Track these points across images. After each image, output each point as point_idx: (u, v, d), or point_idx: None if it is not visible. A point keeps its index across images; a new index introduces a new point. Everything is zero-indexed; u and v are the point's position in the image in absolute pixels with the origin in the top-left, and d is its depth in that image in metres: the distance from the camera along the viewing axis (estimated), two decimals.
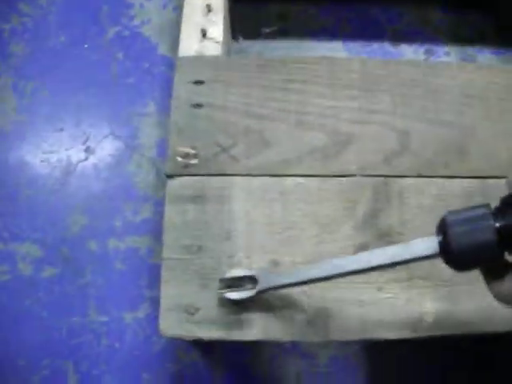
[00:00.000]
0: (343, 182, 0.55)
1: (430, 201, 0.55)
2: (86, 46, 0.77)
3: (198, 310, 0.51)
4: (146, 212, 0.68)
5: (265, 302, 0.50)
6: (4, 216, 0.68)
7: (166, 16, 0.77)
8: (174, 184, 0.56)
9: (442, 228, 0.37)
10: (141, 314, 0.65)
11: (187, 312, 0.51)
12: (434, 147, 0.57)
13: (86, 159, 0.71)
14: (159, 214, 0.65)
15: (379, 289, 0.51)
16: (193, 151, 0.57)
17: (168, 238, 0.54)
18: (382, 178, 0.55)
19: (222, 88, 0.60)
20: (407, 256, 0.39)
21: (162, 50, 0.76)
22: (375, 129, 0.58)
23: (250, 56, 0.64)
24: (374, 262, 0.41)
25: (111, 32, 0.78)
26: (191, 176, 0.56)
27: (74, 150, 0.72)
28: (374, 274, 0.51)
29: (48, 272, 0.66)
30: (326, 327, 0.50)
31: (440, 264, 0.38)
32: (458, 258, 0.36)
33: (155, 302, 0.63)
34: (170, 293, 0.52)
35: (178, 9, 0.63)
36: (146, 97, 0.73)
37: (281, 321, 0.50)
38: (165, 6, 0.78)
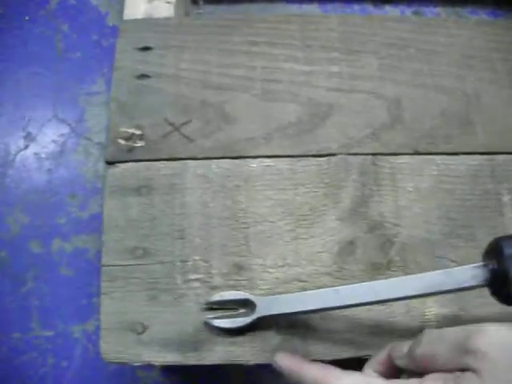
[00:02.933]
0: (322, 163, 0.42)
1: (429, 183, 0.42)
2: (26, 18, 0.63)
3: (146, 328, 0.38)
4: (96, 206, 0.55)
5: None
6: None
7: None
8: (115, 172, 0.42)
9: (495, 254, 0.30)
10: (91, 326, 0.52)
11: (133, 331, 0.38)
12: (432, 118, 0.44)
13: (26, 148, 0.57)
14: None
15: None
16: (138, 132, 0.44)
17: (107, 240, 0.40)
18: (370, 157, 0.42)
19: (174, 55, 0.46)
20: (449, 286, 0.32)
21: (113, 20, 0.62)
22: (360, 97, 0.44)
23: (207, 16, 0.50)
24: (408, 292, 0.32)
25: (54, 1, 0.63)
26: (136, 162, 0.42)
27: (11, 138, 0.58)
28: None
29: None
30: (304, 345, 0.37)
31: None
32: None
33: None
34: (111, 308, 0.39)
35: None
36: (94, 73, 0.59)
37: (249, 338, 0.37)
38: None
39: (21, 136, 0.58)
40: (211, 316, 0.36)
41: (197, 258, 0.39)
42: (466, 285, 0.31)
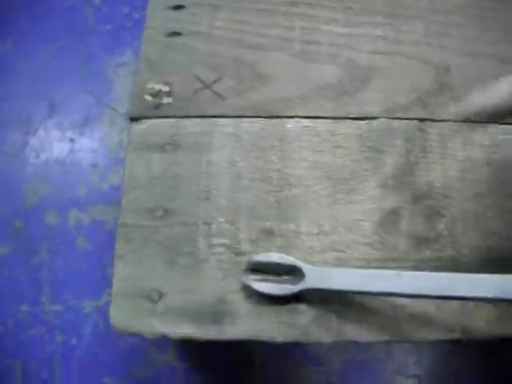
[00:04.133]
0: (363, 127, 0.37)
1: (481, 154, 0.36)
2: None
3: (162, 295, 0.33)
4: (117, 177, 0.50)
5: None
6: None
7: None
8: (139, 128, 0.38)
9: None
10: (103, 301, 0.47)
11: (148, 298, 0.33)
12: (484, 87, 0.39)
13: (50, 117, 0.54)
14: None
15: None
16: (166, 88, 0.39)
17: (126, 198, 0.36)
18: (416, 122, 0.37)
19: (207, 13, 0.42)
20: None
21: None
22: (405, 62, 0.40)
23: None
24: (492, 292, 0.27)
25: None
26: (162, 118, 0.38)
27: (36, 108, 0.54)
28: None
29: None
30: (339, 324, 0.32)
31: None
32: None
33: None
34: (125, 272, 0.34)
35: None
36: (124, 45, 0.56)
37: (277, 312, 0.32)
38: None
39: (45, 106, 0.54)
40: (252, 278, 0.31)
41: (222, 220, 0.34)
42: None
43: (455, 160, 0.36)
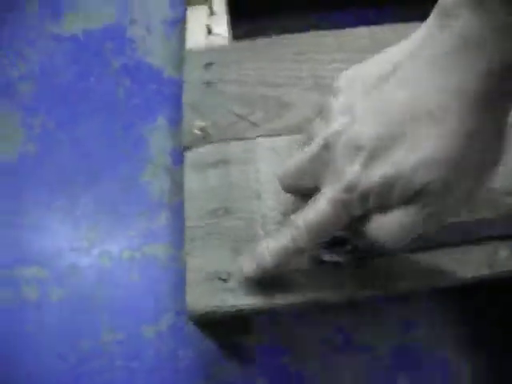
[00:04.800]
0: None
1: None
2: (91, 79, 0.70)
3: (231, 275, 0.39)
4: (163, 219, 0.57)
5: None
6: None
7: (169, 47, 0.72)
8: (193, 154, 0.46)
9: None
10: (163, 326, 0.51)
11: (219, 279, 0.38)
12: None
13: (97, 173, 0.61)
14: (177, 219, 0.54)
15: None
16: (209, 123, 0.48)
17: (189, 206, 0.43)
18: None
19: (234, 66, 0.52)
20: None
21: (169, 72, 0.70)
22: None
23: (258, 38, 0.57)
24: None
25: (116, 64, 0.72)
26: (211, 144, 0.46)
27: (80, 178, 0.62)
28: None
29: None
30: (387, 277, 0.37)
31: None
32: None
33: (179, 314, 0.50)
34: (196, 264, 0.40)
35: (181, 40, 0.57)
36: (155, 113, 0.65)
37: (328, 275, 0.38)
38: (168, 38, 0.73)
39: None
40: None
41: (275, 213, 0.41)
42: None
43: None
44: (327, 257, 0.37)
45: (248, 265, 0.37)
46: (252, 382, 0.48)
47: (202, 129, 0.47)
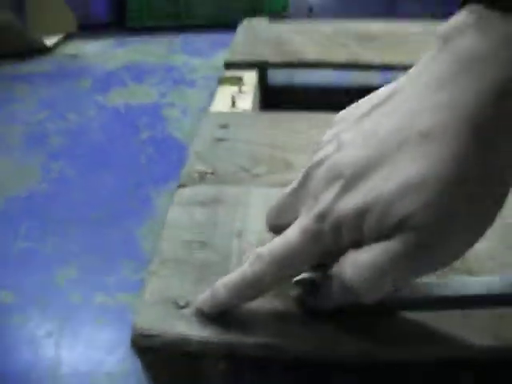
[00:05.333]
0: None
1: None
2: (119, 143, 0.73)
3: (189, 303, 0.34)
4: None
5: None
6: None
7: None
8: (184, 191, 0.45)
9: None
10: None
11: (174, 304, 0.34)
12: None
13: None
14: None
15: None
16: (210, 170, 0.47)
17: (167, 234, 0.40)
18: None
19: (248, 129, 0.54)
20: None
21: None
22: None
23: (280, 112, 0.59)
24: None
25: (145, 134, 0.75)
26: (206, 185, 0.45)
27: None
28: None
29: None
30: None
31: None
32: None
33: None
34: (156, 286, 0.35)
35: None
36: (168, 178, 0.65)
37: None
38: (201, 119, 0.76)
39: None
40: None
41: (254, 250, 0.37)
42: None
43: None
44: (311, 301, 0.33)
45: (203, 296, 0.33)
46: None
47: (201, 173, 0.47)
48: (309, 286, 0.33)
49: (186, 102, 0.82)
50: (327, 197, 0.26)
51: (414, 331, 0.32)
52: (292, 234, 0.28)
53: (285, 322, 0.32)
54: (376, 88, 0.30)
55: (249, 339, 0.32)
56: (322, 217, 0.26)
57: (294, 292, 0.33)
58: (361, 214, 0.25)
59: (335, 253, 0.27)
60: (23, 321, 0.49)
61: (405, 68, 0.30)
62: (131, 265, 0.53)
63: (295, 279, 0.33)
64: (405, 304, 0.31)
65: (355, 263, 0.26)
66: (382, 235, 0.24)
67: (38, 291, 0.52)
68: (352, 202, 0.25)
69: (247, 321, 0.33)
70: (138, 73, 0.92)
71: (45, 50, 1.00)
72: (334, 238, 0.26)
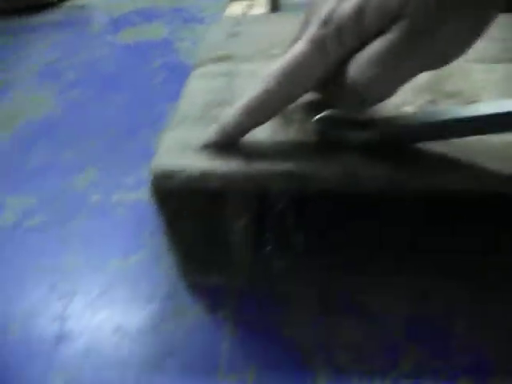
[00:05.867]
0: None
1: None
2: (131, 71, 0.73)
3: (206, 147, 0.33)
4: None
5: None
6: None
7: None
8: (200, 69, 0.44)
9: None
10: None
11: (194, 148, 0.33)
12: None
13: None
14: None
15: None
16: (227, 54, 0.46)
17: (184, 101, 0.39)
18: None
19: (261, 25, 0.52)
20: None
21: None
22: None
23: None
24: None
25: (157, 63, 0.75)
26: (222, 63, 0.44)
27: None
28: None
29: None
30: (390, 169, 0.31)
31: None
32: None
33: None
34: (173, 135, 0.35)
35: None
36: None
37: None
38: None
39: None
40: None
41: None
42: None
43: None
44: (332, 136, 0.32)
45: (213, 126, 0.33)
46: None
47: (218, 57, 0.46)
48: (329, 121, 0.32)
49: (196, 35, 0.81)
50: (329, 5, 0.27)
51: (440, 161, 0.31)
52: (298, 46, 0.28)
53: (308, 154, 0.32)
54: None
55: (274, 168, 0.31)
56: (325, 22, 0.27)
57: (316, 128, 0.32)
58: (360, 10, 0.25)
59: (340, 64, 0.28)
60: (44, 222, 0.49)
61: None
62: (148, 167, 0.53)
63: (316, 117, 0.32)
64: (422, 132, 0.30)
65: (356, 61, 0.27)
66: (380, 29, 0.25)
67: (58, 194, 0.52)
68: (352, 1, 0.26)
69: (269, 153, 0.32)
70: (147, 16, 0.91)
71: (52, 4, 1.01)
72: (338, 42, 0.27)
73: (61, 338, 0.38)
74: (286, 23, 0.52)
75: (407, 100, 0.37)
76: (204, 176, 0.31)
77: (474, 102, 0.36)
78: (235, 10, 0.61)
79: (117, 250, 0.45)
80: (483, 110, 0.28)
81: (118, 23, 0.89)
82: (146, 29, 0.85)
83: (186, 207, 0.34)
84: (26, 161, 0.57)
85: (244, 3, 0.63)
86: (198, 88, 0.40)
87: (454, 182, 0.30)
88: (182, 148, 0.33)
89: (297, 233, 0.40)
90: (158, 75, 0.70)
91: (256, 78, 0.39)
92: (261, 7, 0.62)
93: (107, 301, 0.41)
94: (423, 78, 0.39)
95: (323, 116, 0.32)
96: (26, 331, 0.39)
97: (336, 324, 0.37)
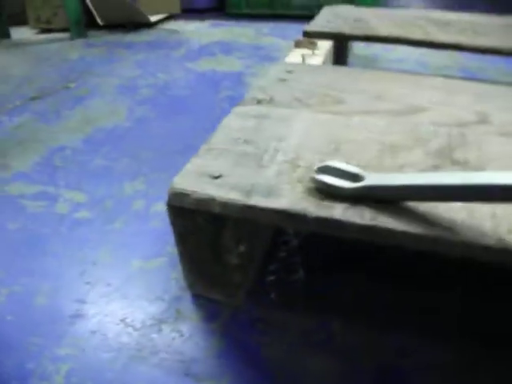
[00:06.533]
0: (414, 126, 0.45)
1: None
2: (199, 97, 0.80)
3: (222, 175, 0.39)
4: None
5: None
6: None
7: None
8: (240, 108, 0.50)
9: None
10: None
11: (210, 176, 0.39)
12: None
13: None
14: None
15: None
16: (268, 98, 0.52)
17: (218, 133, 0.45)
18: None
19: (309, 75, 0.58)
20: None
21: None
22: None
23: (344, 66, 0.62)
24: None
25: (223, 93, 0.81)
26: (260, 105, 0.50)
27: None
28: None
29: None
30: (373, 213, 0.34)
31: None
32: None
33: None
34: (196, 163, 0.41)
35: None
36: None
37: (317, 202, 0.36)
38: None
39: None
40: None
41: (289, 149, 0.42)
42: None
43: None
44: (331, 180, 0.36)
45: None
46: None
47: (259, 99, 0.52)
48: (327, 170, 0.36)
49: (263, 73, 0.88)
50: None
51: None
52: None
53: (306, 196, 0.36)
54: None
55: (268, 205, 0.35)
56: None
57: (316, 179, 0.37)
58: None
59: None
60: (89, 218, 0.57)
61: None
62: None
63: (317, 166, 0.37)
64: (410, 193, 0.34)
65: None
66: None
67: (106, 196, 0.59)
68: None
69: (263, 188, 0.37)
70: (228, 48, 1.00)
71: (149, 25, 1.12)
72: None
73: (76, 318, 0.44)
74: (334, 76, 0.57)
75: (413, 162, 0.40)
76: (209, 201, 0.37)
77: (477, 171, 0.39)
78: (296, 56, 0.67)
79: (141, 252, 0.51)
80: (447, 180, 0.31)
81: (200, 51, 0.98)
82: (224, 60, 0.94)
83: (194, 225, 0.39)
84: (89, 161, 0.66)
85: (305, 51, 0.68)
86: (232, 125, 0.46)
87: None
88: (200, 174, 0.39)
89: (299, 271, 0.45)
90: (221, 106, 0.77)
91: (284, 122, 0.46)
92: (320, 57, 0.67)
93: (121, 294, 0.47)
94: (438, 142, 0.43)
95: (323, 166, 0.37)
96: (49, 304, 0.46)
97: (311, 358, 0.40)
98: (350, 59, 0.85)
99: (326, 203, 0.35)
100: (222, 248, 0.40)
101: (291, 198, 0.36)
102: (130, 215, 0.57)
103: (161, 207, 0.58)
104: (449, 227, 0.33)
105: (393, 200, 0.35)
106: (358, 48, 0.85)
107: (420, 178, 0.33)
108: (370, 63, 0.87)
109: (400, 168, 0.39)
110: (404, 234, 0.33)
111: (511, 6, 0.81)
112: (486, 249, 0.32)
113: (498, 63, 0.90)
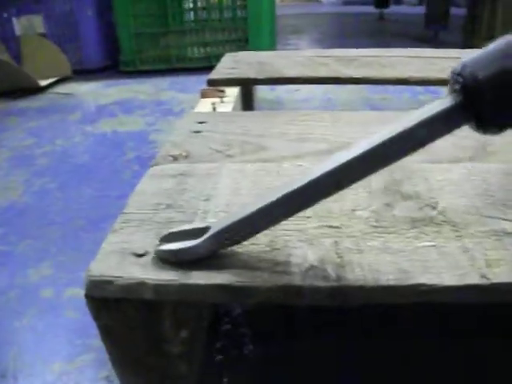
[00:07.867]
0: None
1: None
2: (105, 161, 0.74)
3: (147, 252, 0.33)
4: None
5: None
6: None
7: None
8: (155, 168, 0.44)
9: (461, 74, 0.27)
10: None
11: (133, 254, 0.32)
12: None
13: None
14: None
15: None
16: (184, 154, 0.47)
17: (133, 200, 0.39)
18: None
19: (223, 124, 0.54)
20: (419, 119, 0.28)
21: None
22: None
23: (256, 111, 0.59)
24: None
25: (131, 154, 0.76)
26: (179, 163, 0.45)
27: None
28: None
29: None
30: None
31: None
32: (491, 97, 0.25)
33: None
34: (115, 239, 0.34)
35: None
36: None
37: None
38: None
39: None
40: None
41: (217, 210, 0.37)
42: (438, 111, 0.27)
43: None
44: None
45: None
46: None
47: (174, 156, 0.47)
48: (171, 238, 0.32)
49: (172, 128, 0.84)
50: None
51: None
52: None
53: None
54: None
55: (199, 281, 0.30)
56: None
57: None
58: None
59: None
60: None
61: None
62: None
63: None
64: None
65: None
66: None
67: (8, 288, 0.50)
68: None
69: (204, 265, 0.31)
70: (128, 107, 0.95)
71: (39, 90, 1.05)
72: None
73: None
74: (249, 122, 0.54)
75: (362, 204, 0.37)
76: (138, 286, 0.31)
77: (432, 203, 0.37)
78: (205, 106, 0.64)
79: (61, 352, 0.43)
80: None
81: (99, 113, 0.92)
82: (125, 120, 0.88)
83: (122, 316, 0.32)
84: None
85: (214, 99, 0.65)
86: (148, 189, 0.41)
87: None
88: (121, 254, 0.33)
89: (249, 343, 0.39)
90: (130, 168, 0.71)
91: (209, 179, 0.41)
92: (230, 104, 0.64)
93: None
94: (380, 180, 0.40)
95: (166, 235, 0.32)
96: None
97: None
98: (257, 104, 0.83)
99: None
100: (160, 338, 0.34)
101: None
102: (40, 307, 0.48)
103: (75, 292, 0.50)
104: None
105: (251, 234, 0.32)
106: (262, 92, 0.84)
107: (266, 198, 0.30)
108: (276, 106, 0.87)
109: (349, 213, 0.36)
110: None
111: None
112: None
113: (402, 92, 0.94)
